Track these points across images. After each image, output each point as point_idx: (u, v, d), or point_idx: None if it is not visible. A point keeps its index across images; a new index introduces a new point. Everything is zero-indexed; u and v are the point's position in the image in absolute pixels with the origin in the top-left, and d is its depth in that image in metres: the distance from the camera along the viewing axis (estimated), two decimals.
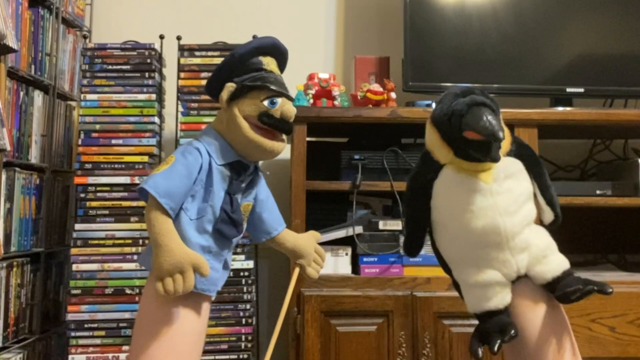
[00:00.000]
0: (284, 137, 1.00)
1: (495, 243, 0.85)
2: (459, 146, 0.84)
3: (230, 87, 0.97)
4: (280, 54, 1.04)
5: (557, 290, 0.83)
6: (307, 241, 1.10)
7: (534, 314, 0.85)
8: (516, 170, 0.88)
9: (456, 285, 0.96)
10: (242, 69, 0.98)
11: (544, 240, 0.88)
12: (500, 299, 0.85)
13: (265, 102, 0.96)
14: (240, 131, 0.95)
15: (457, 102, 0.83)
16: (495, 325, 0.84)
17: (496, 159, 0.82)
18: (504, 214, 0.84)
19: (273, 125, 0.96)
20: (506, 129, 0.87)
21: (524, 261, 0.85)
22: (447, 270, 0.97)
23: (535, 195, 0.91)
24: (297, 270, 1.11)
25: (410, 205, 0.97)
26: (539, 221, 0.93)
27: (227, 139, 0.97)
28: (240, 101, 0.96)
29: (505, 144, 0.88)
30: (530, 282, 0.86)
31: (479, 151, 0.82)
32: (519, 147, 0.90)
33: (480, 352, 0.84)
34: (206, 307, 0.98)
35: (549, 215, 0.91)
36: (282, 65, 1.06)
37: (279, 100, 0.97)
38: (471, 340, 0.88)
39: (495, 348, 0.81)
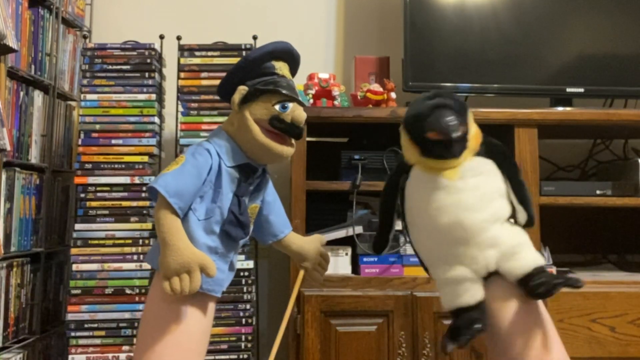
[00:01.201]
0: (294, 142, 1.01)
1: (462, 239, 0.86)
2: (425, 146, 0.87)
3: (242, 90, 0.98)
4: (292, 59, 1.05)
5: (527, 287, 0.84)
6: (312, 244, 1.11)
7: (505, 311, 0.85)
8: (485, 169, 0.88)
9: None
10: (254, 73, 0.99)
11: (516, 238, 0.87)
12: (471, 295, 0.86)
13: (277, 107, 0.96)
14: (250, 134, 0.95)
15: (424, 104, 0.87)
16: (466, 322, 0.85)
17: (456, 155, 0.85)
18: (468, 210, 0.85)
19: (283, 130, 0.97)
20: (476, 130, 0.89)
21: (493, 257, 0.85)
22: (426, 269, 0.98)
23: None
24: (301, 273, 1.11)
25: (381, 203, 1.01)
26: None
27: (237, 142, 0.98)
28: (251, 104, 0.97)
29: (475, 144, 0.88)
30: (501, 279, 0.87)
31: (441, 149, 0.85)
32: (489, 146, 0.90)
33: (449, 347, 0.85)
34: (212, 307, 0.98)
35: (522, 215, 0.90)
36: (293, 70, 1.07)
37: (290, 105, 0.97)
38: (442, 339, 0.89)
39: (462, 343, 0.84)
